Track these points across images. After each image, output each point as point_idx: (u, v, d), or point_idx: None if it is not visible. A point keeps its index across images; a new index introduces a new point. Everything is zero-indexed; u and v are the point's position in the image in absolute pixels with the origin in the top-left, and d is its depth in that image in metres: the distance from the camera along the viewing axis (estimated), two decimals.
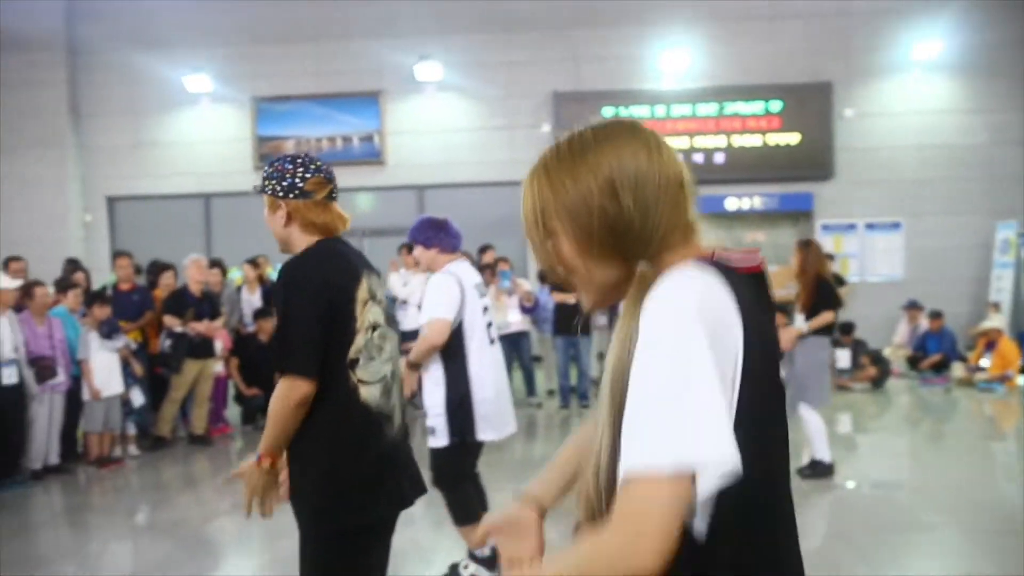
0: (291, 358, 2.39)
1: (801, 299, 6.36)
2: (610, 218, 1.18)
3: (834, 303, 6.32)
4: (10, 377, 6.51)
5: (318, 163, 2.56)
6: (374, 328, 2.49)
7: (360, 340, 2.45)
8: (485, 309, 4.36)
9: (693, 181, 1.26)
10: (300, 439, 2.47)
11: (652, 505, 0.98)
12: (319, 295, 2.42)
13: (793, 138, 12.83)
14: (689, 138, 12.95)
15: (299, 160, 2.54)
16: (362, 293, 2.50)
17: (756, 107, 12.84)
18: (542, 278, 9.91)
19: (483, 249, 9.97)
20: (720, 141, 12.92)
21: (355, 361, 2.45)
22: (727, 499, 1.06)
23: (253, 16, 13.27)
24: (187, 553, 5.33)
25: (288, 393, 2.39)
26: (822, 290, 6.29)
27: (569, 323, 9.08)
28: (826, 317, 6.26)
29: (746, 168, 12.93)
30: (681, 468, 0.98)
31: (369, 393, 2.45)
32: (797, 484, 6.11)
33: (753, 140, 12.89)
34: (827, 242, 12.65)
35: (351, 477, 2.48)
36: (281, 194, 2.51)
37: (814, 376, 6.31)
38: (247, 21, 13.27)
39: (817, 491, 6.08)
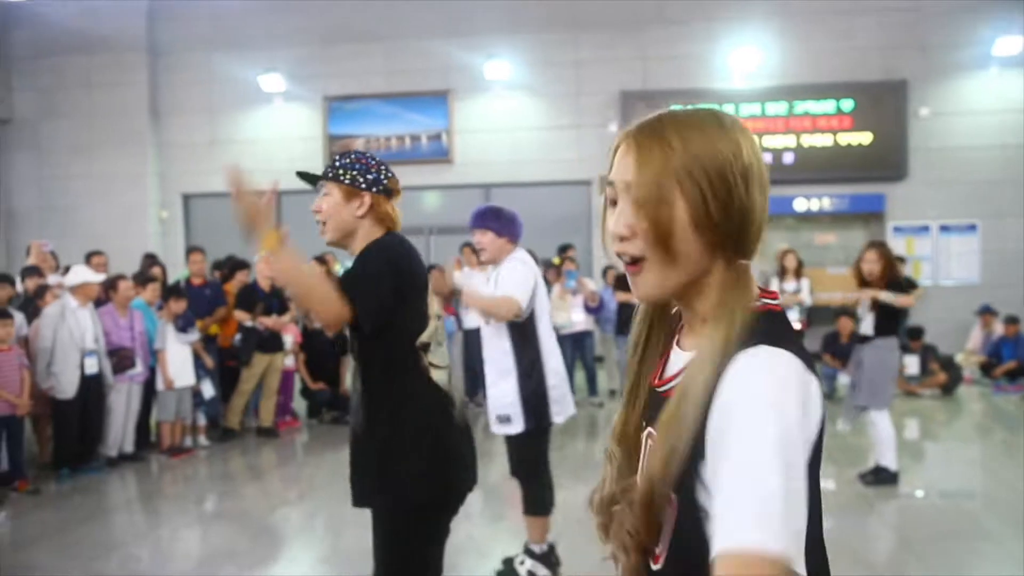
0: (356, 294, 2.43)
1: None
2: (735, 199, 1.10)
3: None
4: (91, 367, 6.77)
5: (387, 166, 2.71)
6: (438, 317, 2.60)
7: (431, 326, 2.54)
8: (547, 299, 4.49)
9: None
10: (381, 416, 2.55)
11: None
12: (401, 272, 2.51)
13: (865, 138, 12.56)
14: (757, 137, 12.76)
15: (377, 160, 2.67)
16: (432, 284, 2.63)
17: (827, 106, 12.61)
18: (613, 280, 9.86)
19: (563, 248, 9.97)
20: (789, 140, 12.72)
21: (427, 345, 2.54)
22: None
23: (325, 17, 13.51)
24: (252, 541, 5.48)
25: (335, 305, 2.40)
26: (894, 284, 6.21)
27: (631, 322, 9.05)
28: (906, 299, 6.16)
29: (816, 168, 12.70)
30: (787, 556, 0.93)
31: (439, 376, 2.54)
32: (861, 491, 6.01)
33: (824, 139, 12.66)
34: (899, 244, 12.38)
35: (435, 449, 2.54)
36: (365, 186, 2.60)
37: (883, 378, 6.18)
38: (319, 22, 13.52)
39: (882, 498, 5.96)
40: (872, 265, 6.17)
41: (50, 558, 5.14)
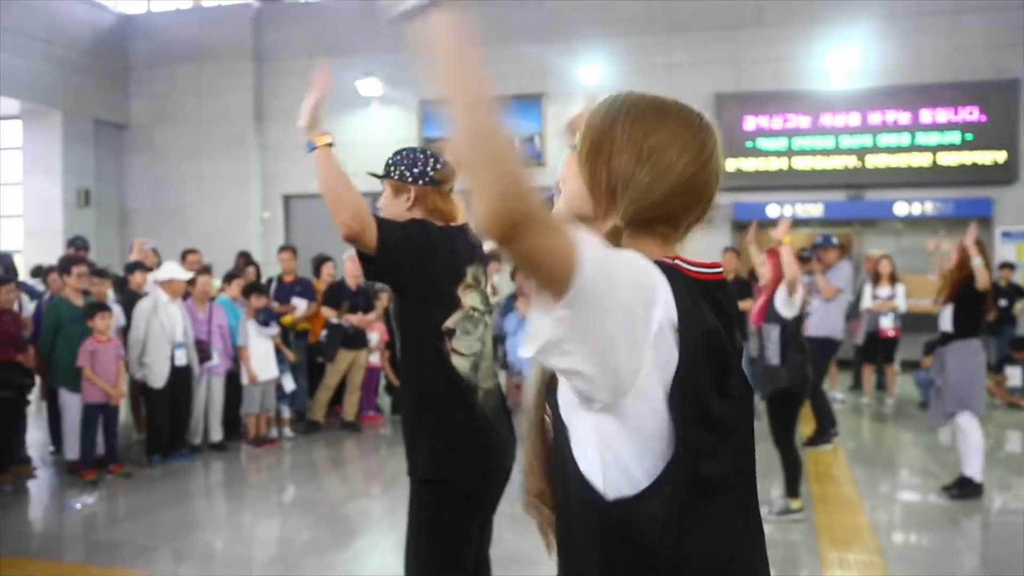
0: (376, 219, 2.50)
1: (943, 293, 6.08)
2: (622, 176, 1.27)
3: (973, 297, 5.97)
4: (180, 359, 7.10)
5: (442, 158, 2.72)
6: (474, 310, 2.61)
7: (458, 314, 2.56)
8: None
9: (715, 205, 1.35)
10: (404, 393, 2.69)
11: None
12: (419, 239, 2.55)
13: (972, 139, 12.06)
14: (853, 137, 12.42)
15: (427, 151, 2.72)
16: (467, 279, 2.63)
17: (933, 107, 12.16)
18: None
19: None
20: (889, 141, 12.32)
21: (452, 331, 2.57)
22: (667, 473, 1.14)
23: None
24: (330, 530, 5.64)
25: (360, 211, 2.48)
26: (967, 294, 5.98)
27: None
28: (983, 275, 5.96)
29: (918, 171, 12.26)
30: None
31: (460, 363, 2.56)
32: (945, 508, 5.79)
33: (928, 140, 12.21)
34: (1008, 250, 11.86)
35: (439, 435, 2.60)
36: (411, 179, 2.67)
37: (969, 382, 5.94)
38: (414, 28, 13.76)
39: (965, 513, 5.72)
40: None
41: (138, 536, 5.41)
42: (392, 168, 2.71)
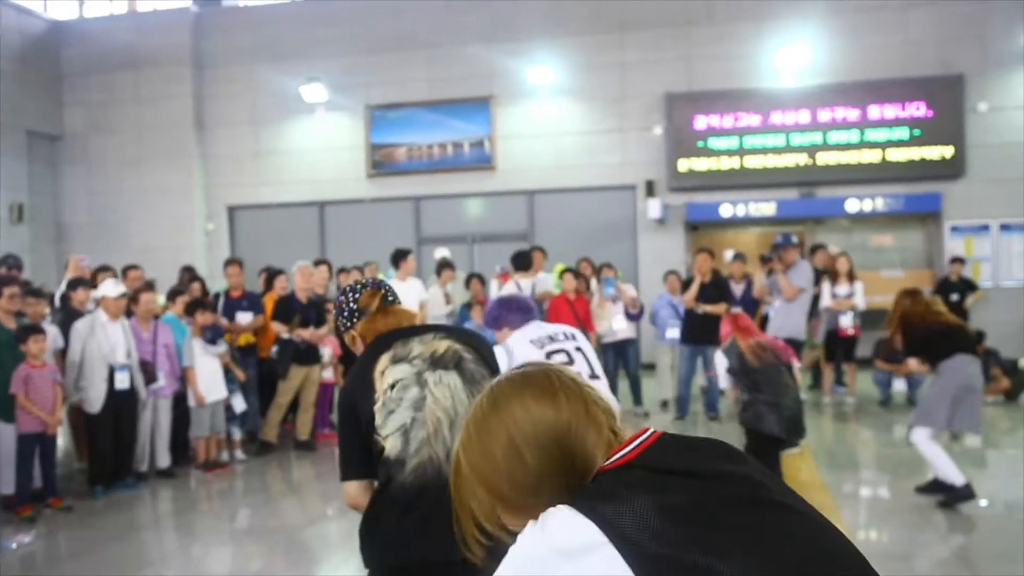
0: (342, 466, 2.59)
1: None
2: (518, 478, 1.19)
3: (919, 338, 5.96)
4: (122, 382, 6.72)
5: (363, 283, 2.71)
6: (392, 387, 2.47)
7: (378, 404, 2.45)
8: (550, 355, 4.21)
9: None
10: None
11: None
12: (349, 410, 2.55)
13: (919, 135, 12.13)
14: (803, 135, 12.43)
15: (346, 290, 2.72)
16: (379, 366, 2.51)
17: (880, 103, 12.20)
18: (679, 286, 9.51)
19: (601, 267, 9.59)
20: (839, 139, 12.34)
21: (378, 425, 2.48)
22: None
23: (365, 26, 13.50)
24: (287, 558, 5.39)
25: (349, 501, 2.62)
26: (907, 336, 5.98)
27: (697, 331, 8.76)
28: (911, 365, 6.04)
29: (868, 168, 12.30)
30: None
31: (391, 445, 2.43)
32: (916, 502, 5.71)
33: (876, 137, 12.25)
34: (957, 245, 11.94)
35: (380, 522, 2.53)
36: (348, 325, 2.68)
37: (954, 396, 5.82)
38: (360, 31, 13.50)
39: (938, 510, 5.64)
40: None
41: None
42: (339, 326, 2.75)
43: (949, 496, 5.77)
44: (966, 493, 5.72)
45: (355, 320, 2.66)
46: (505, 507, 1.21)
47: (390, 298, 2.69)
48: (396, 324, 2.63)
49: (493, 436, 1.19)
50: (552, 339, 4.25)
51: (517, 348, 4.17)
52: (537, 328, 4.34)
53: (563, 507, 1.10)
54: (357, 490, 2.57)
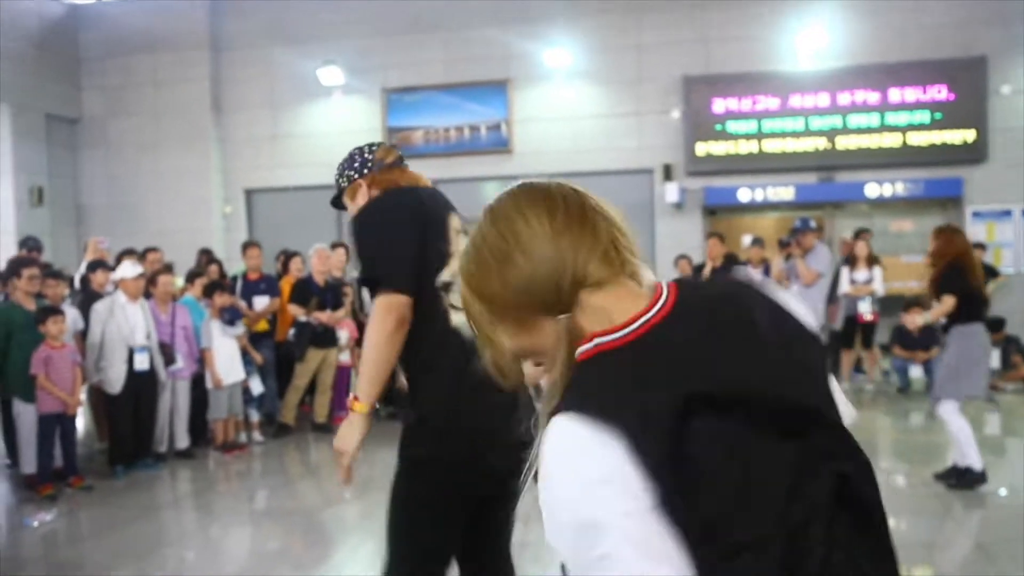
0: (385, 275, 2.36)
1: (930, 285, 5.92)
2: (515, 281, 1.14)
3: (963, 288, 5.80)
4: (142, 363, 6.77)
5: (378, 142, 2.71)
6: None
7: (455, 264, 2.33)
8: None
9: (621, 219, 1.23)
10: (410, 367, 2.48)
11: None
12: (413, 216, 2.43)
13: (941, 118, 12.00)
14: (823, 119, 12.32)
15: (360, 147, 2.67)
16: (454, 223, 2.49)
17: (900, 85, 12.07)
18: (690, 270, 9.47)
19: None
20: (859, 122, 12.22)
21: (449, 285, 2.36)
22: None
23: (382, 8, 13.43)
24: (304, 540, 5.42)
25: (385, 314, 2.32)
26: (949, 275, 5.80)
27: None
28: (947, 303, 5.77)
29: (888, 152, 12.18)
30: None
31: (460, 319, 2.36)
32: (936, 490, 5.68)
33: (896, 120, 12.13)
34: (979, 230, 11.80)
35: (438, 399, 2.41)
36: (356, 175, 2.60)
37: (965, 366, 5.79)
38: (377, 13, 13.45)
39: (957, 498, 5.61)
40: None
41: (100, 555, 5.13)
42: (339, 179, 2.67)
43: (962, 479, 5.75)
44: (979, 477, 5.70)
45: (366, 171, 2.60)
46: (497, 314, 1.17)
47: (403, 161, 2.67)
48: (416, 181, 2.60)
49: (487, 243, 1.18)
50: None
51: None
52: None
53: (571, 419, 1.01)
54: (409, 306, 2.35)
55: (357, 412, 2.40)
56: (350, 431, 2.45)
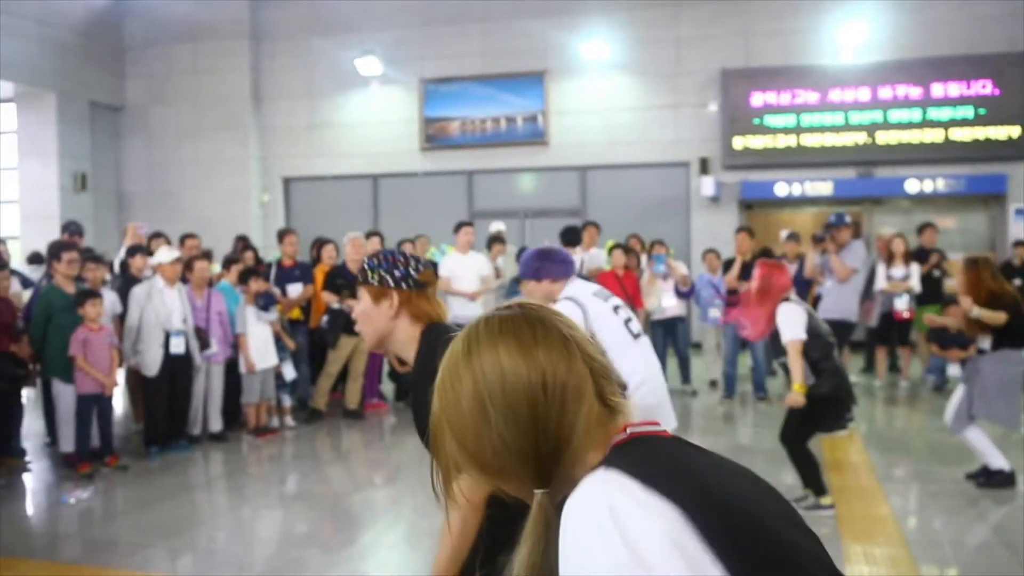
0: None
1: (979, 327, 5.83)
2: (483, 436, 1.05)
3: (1013, 310, 5.73)
4: (177, 347, 6.89)
5: (421, 259, 2.55)
6: None
7: None
8: (616, 308, 4.15)
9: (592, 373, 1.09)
10: None
11: None
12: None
13: (985, 113, 11.79)
14: (863, 113, 12.16)
15: (404, 254, 2.53)
16: None
17: (944, 81, 11.88)
18: (720, 264, 9.40)
19: (653, 244, 9.52)
20: (900, 117, 12.06)
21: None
22: None
23: None
24: (333, 523, 5.48)
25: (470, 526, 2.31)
26: (996, 301, 5.73)
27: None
28: (999, 316, 5.68)
29: (930, 147, 12.00)
30: None
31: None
32: (968, 495, 5.62)
33: (939, 115, 11.94)
34: (1022, 228, 11.60)
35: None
36: (392, 283, 2.47)
37: (1001, 391, 5.72)
38: (415, 4, 13.51)
39: (991, 501, 5.53)
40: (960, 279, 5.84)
41: (133, 533, 5.24)
42: (371, 273, 2.50)
43: (990, 479, 5.69)
44: (1007, 480, 5.65)
45: (404, 285, 2.49)
46: (471, 462, 1.09)
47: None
48: (436, 315, 2.51)
49: (462, 384, 1.07)
50: (603, 296, 4.17)
51: (587, 301, 4.09)
52: (585, 283, 4.26)
53: (620, 475, 0.98)
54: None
55: None
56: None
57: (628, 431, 1.06)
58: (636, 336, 4.13)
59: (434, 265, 9.23)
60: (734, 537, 0.95)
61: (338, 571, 4.56)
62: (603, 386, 1.08)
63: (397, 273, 2.47)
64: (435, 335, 2.43)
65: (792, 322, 5.10)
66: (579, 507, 0.96)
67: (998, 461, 5.72)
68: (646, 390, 4.16)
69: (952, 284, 8.96)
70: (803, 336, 5.07)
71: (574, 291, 4.08)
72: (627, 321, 4.13)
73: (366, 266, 2.53)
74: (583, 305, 4.00)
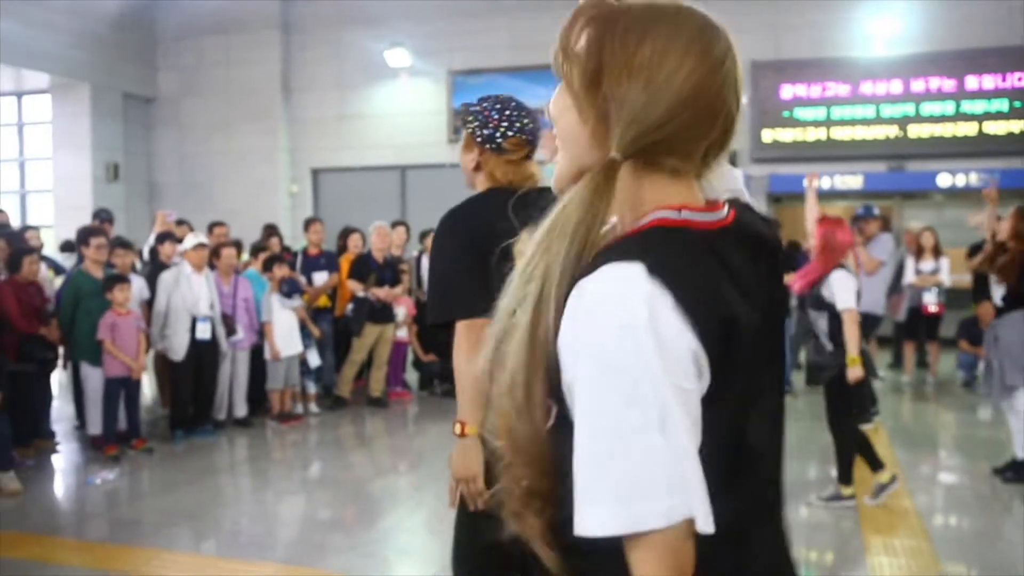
0: (454, 303, 2.35)
1: (1004, 272, 5.68)
2: (614, 99, 1.02)
3: None
4: (203, 332, 6.97)
5: (525, 120, 2.52)
6: None
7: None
8: None
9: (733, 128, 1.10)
10: None
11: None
12: (468, 239, 2.36)
13: (1021, 107, 11.61)
14: (894, 106, 12.02)
15: (507, 112, 2.51)
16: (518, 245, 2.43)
17: (978, 74, 11.70)
18: None
19: None
20: (933, 110, 11.90)
21: None
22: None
23: None
24: (355, 508, 5.52)
25: (463, 341, 2.32)
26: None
27: None
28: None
29: (963, 141, 11.83)
30: (670, 522, 0.87)
31: None
32: (994, 490, 5.54)
33: (973, 108, 11.77)
34: None
35: None
36: (479, 140, 2.50)
37: (1021, 353, 5.63)
38: None
39: (1017, 497, 5.46)
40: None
41: (157, 514, 5.31)
42: (468, 120, 2.54)
43: (1018, 474, 5.61)
44: None
45: (488, 146, 2.49)
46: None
47: (531, 155, 2.56)
48: (516, 181, 2.47)
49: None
50: None
51: None
52: None
53: (638, 268, 0.94)
54: (481, 327, 2.32)
55: (469, 435, 2.35)
56: (467, 456, 2.36)
57: (683, 213, 1.03)
58: None
59: None
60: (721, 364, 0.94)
61: (359, 552, 4.60)
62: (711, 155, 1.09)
63: (486, 132, 2.50)
64: (481, 198, 2.49)
65: (848, 289, 4.96)
66: (617, 290, 0.92)
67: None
68: None
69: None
70: (856, 306, 4.97)
71: None
72: None
73: (471, 107, 2.56)
74: None
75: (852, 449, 5.17)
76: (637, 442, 0.87)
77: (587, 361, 0.91)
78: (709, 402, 0.93)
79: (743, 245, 1.07)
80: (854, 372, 4.95)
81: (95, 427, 6.56)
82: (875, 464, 5.16)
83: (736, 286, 0.99)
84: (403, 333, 8.72)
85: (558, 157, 1.10)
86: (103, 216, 8.70)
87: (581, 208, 0.99)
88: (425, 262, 9.22)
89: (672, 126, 1.02)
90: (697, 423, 0.92)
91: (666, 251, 0.96)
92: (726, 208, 1.09)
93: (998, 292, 5.76)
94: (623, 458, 0.87)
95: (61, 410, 7.65)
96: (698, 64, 1.03)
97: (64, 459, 6.69)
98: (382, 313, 8.31)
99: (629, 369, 0.88)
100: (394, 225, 9.14)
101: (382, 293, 8.25)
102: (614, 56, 1.02)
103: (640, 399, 0.88)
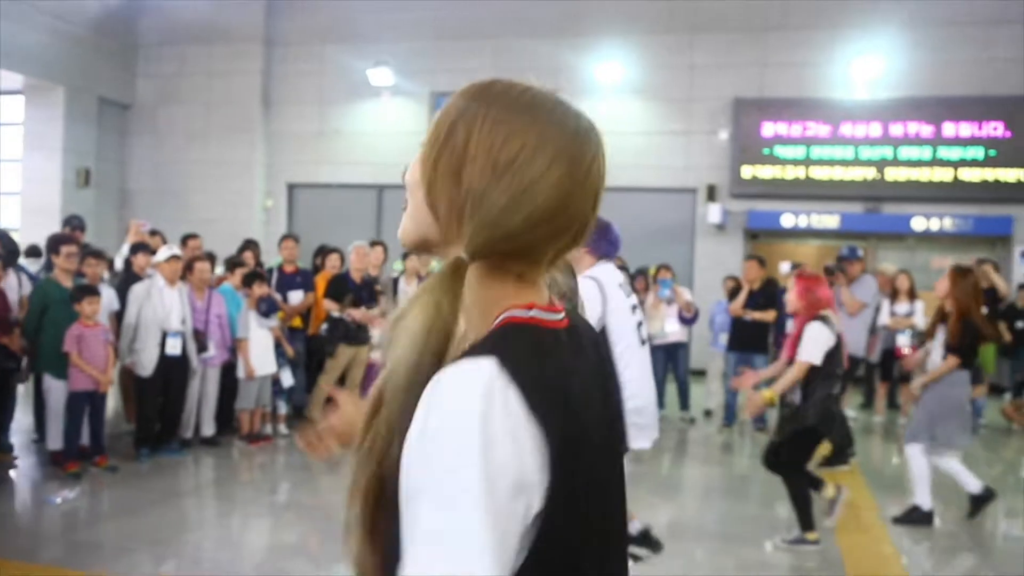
0: None
1: (949, 334, 5.69)
2: (471, 194, 0.99)
3: (972, 344, 5.65)
4: (173, 348, 6.77)
5: None
6: None
7: None
8: (634, 308, 4.10)
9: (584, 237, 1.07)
10: None
11: None
12: None
13: (995, 155, 11.77)
14: (873, 149, 12.13)
15: None
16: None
17: (956, 121, 11.86)
18: (729, 291, 9.32)
19: (659, 268, 9.39)
20: (910, 154, 12.03)
21: None
22: None
23: (436, 13, 13.48)
24: (323, 535, 5.36)
25: None
26: (964, 330, 5.61)
27: (745, 339, 8.62)
28: (950, 362, 5.58)
29: (938, 186, 11.97)
30: None
31: None
32: (968, 533, 5.52)
33: (949, 155, 11.91)
34: None
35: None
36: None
37: (945, 414, 5.64)
38: (430, 17, 13.50)
39: (997, 537, 5.44)
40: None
41: (119, 537, 5.13)
42: None
43: (909, 517, 5.66)
44: (926, 519, 5.63)
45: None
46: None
47: None
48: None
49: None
50: (625, 291, 4.08)
51: (610, 289, 4.00)
52: (616, 271, 4.14)
53: (494, 365, 0.91)
54: None
55: None
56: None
57: (534, 311, 1.00)
58: (643, 342, 4.10)
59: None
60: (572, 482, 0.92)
61: None
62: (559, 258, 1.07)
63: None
64: None
65: (815, 341, 4.85)
66: (459, 388, 0.89)
67: (922, 497, 5.67)
68: (653, 403, 4.15)
69: None
70: (817, 363, 4.87)
71: (601, 273, 3.99)
72: (639, 324, 4.10)
73: None
74: (604, 291, 3.92)
75: (808, 497, 5.10)
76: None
77: (415, 434, 0.89)
78: (546, 515, 0.91)
79: (581, 343, 1.06)
80: (757, 402, 4.93)
81: (55, 442, 6.32)
82: (807, 523, 5.08)
83: (581, 382, 0.99)
84: (377, 355, 8.57)
85: (406, 214, 1.08)
86: (75, 223, 8.49)
87: (430, 312, 0.95)
88: (403, 285, 9.11)
89: (527, 237, 0.99)
90: (508, 530, 0.88)
91: (517, 346, 0.94)
92: (564, 311, 1.07)
93: (936, 354, 5.77)
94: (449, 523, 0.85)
95: (19, 421, 7.41)
96: (566, 175, 1.00)
97: (21, 475, 6.46)
98: (357, 334, 8.17)
99: (447, 448, 0.87)
100: (372, 245, 9.02)
101: (358, 314, 8.12)
102: (480, 147, 1.00)
103: (451, 478, 0.86)
